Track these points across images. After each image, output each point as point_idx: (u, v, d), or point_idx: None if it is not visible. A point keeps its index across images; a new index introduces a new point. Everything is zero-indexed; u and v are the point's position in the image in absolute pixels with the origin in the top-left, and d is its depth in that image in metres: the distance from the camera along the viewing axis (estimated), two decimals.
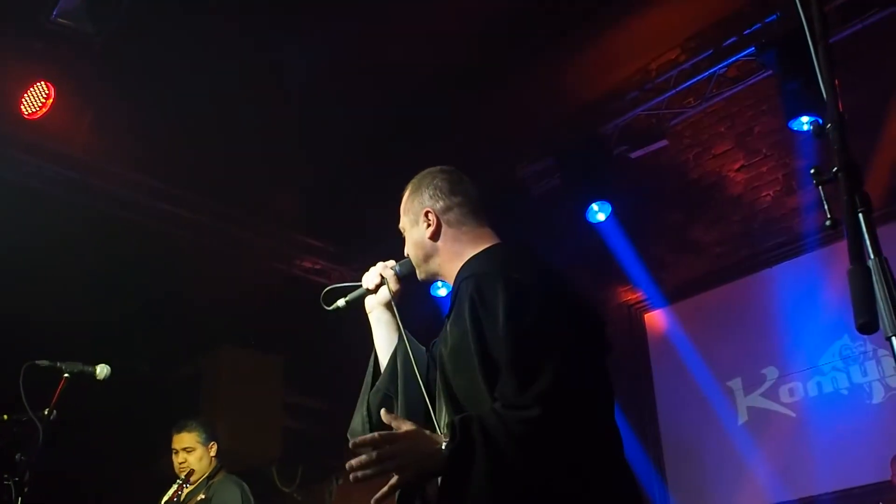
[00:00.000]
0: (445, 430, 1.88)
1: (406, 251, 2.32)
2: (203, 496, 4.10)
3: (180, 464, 4.25)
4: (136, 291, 5.87)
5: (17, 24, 4.36)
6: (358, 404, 2.31)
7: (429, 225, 2.22)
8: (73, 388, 3.36)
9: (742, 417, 5.37)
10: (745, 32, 5.13)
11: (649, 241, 5.91)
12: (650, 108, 5.55)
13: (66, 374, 3.32)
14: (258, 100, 5.15)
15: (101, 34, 4.27)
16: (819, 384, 5.10)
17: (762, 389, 5.32)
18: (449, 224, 2.22)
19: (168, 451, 4.31)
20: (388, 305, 2.32)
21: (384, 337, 2.32)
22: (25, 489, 2.95)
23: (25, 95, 4.48)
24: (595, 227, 5.79)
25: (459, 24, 4.95)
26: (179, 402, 6.48)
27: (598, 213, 5.71)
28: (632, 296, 6.05)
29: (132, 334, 6.03)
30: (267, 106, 5.17)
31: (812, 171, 1.46)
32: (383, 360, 2.30)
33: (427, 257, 2.24)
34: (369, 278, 2.33)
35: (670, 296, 5.83)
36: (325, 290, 2.39)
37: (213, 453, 4.38)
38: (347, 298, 2.36)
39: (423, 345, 2.29)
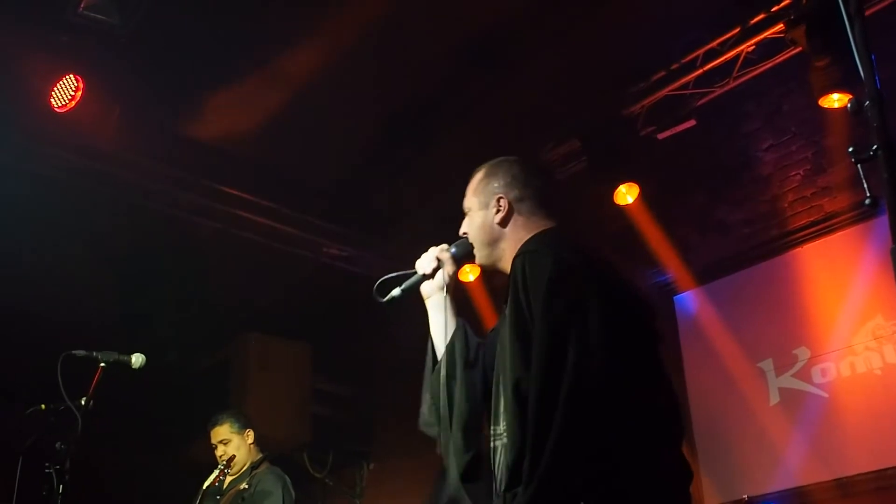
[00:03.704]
0: (503, 421, 1.87)
1: (464, 231, 2.31)
2: (245, 486, 4.16)
3: (220, 456, 4.32)
4: (164, 281, 5.94)
5: (45, 18, 4.40)
6: (423, 392, 2.28)
7: (499, 210, 2.24)
8: (102, 378, 3.41)
9: (773, 399, 5.33)
10: (774, 9, 5.04)
11: (677, 223, 5.86)
12: (677, 89, 5.48)
13: (102, 364, 3.37)
14: (283, 87, 5.16)
15: (127, 26, 4.30)
16: (852, 364, 5.04)
17: (794, 370, 5.27)
18: (520, 213, 2.24)
19: (198, 438, 4.37)
20: (445, 289, 2.29)
21: (442, 322, 2.27)
22: (66, 476, 3.01)
23: (55, 89, 4.53)
24: (622, 210, 5.75)
25: (483, 6, 4.92)
26: (209, 390, 6.56)
27: (626, 195, 5.67)
28: (660, 278, 6.01)
29: (161, 324, 6.10)
30: (292, 93, 5.17)
31: (851, 148, 1.44)
32: (440, 346, 2.26)
33: (493, 242, 2.24)
34: (425, 263, 2.31)
35: (699, 277, 5.79)
36: (378, 282, 2.35)
37: (250, 441, 4.43)
38: (403, 287, 2.32)
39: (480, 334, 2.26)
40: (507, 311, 2.01)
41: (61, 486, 3.00)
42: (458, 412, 2.10)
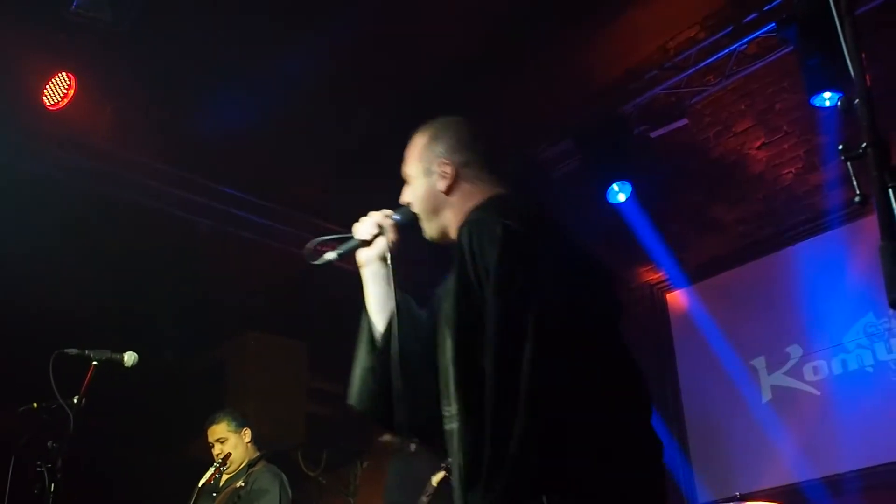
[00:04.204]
0: (454, 402, 1.76)
1: (405, 199, 2.13)
2: (242, 483, 4.16)
3: (217, 455, 4.33)
4: (160, 280, 5.93)
5: (38, 15, 4.39)
6: (354, 371, 2.10)
7: (443, 177, 2.06)
8: (98, 376, 3.40)
9: (766, 396, 5.35)
10: (766, 8, 5.06)
11: (671, 221, 5.88)
12: (670, 87, 5.50)
13: (94, 362, 3.36)
14: (278, 87, 5.15)
15: (120, 24, 4.29)
16: (844, 362, 5.07)
17: (786, 368, 5.29)
18: (466, 179, 2.07)
19: (194, 437, 4.38)
20: (384, 259, 2.09)
21: (380, 295, 2.07)
22: (58, 475, 3.01)
23: (47, 87, 4.51)
24: (616, 208, 5.76)
25: (478, 5, 4.93)
26: (204, 388, 6.54)
27: (619, 193, 5.68)
28: (654, 276, 6.03)
29: (157, 322, 6.09)
30: (287, 92, 5.17)
31: (840, 146, 1.45)
32: (377, 321, 2.07)
33: (436, 211, 2.08)
34: (364, 228, 2.12)
35: (692, 275, 5.81)
36: (310, 243, 2.19)
37: (247, 440, 4.44)
38: (339, 251, 2.14)
39: (420, 304, 2.11)
40: (450, 284, 1.86)
41: (53, 485, 2.99)
42: (415, 390, 1.95)
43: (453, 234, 2.03)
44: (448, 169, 2.08)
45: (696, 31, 5.58)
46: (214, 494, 4.25)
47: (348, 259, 2.18)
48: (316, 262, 2.17)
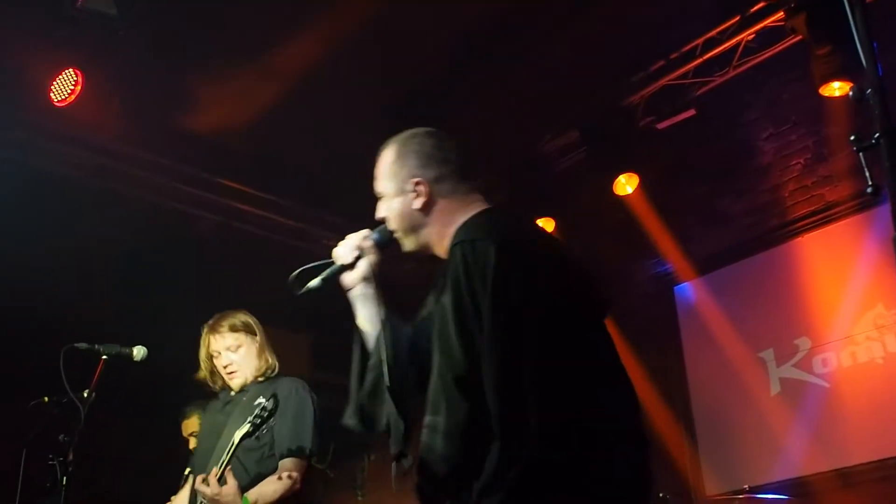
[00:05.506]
0: (440, 412, 1.82)
1: (383, 215, 2.16)
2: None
3: (193, 448, 4.26)
4: (164, 274, 5.94)
5: (43, 12, 4.39)
6: (351, 394, 2.17)
7: (418, 195, 2.08)
8: (107, 371, 3.41)
9: (774, 388, 5.34)
10: None
11: (677, 213, 5.86)
12: (676, 78, 5.48)
13: (104, 356, 3.38)
14: (282, 78, 5.15)
15: (126, 19, 4.29)
16: (853, 354, 5.05)
17: (795, 360, 5.28)
18: (441, 195, 2.08)
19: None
20: (368, 280, 2.13)
21: (370, 315, 2.12)
22: (70, 469, 3.03)
23: (54, 83, 4.52)
24: (622, 200, 5.75)
25: None
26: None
27: (625, 185, 5.67)
28: (660, 268, 6.01)
29: (162, 317, 6.10)
30: (291, 84, 5.17)
31: (852, 137, 1.44)
32: (370, 339, 2.12)
33: (415, 229, 2.10)
34: (343, 252, 2.15)
35: (699, 268, 5.79)
36: (293, 273, 2.21)
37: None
38: (322, 277, 2.17)
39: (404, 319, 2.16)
40: (444, 301, 1.90)
41: (65, 478, 3.01)
42: (402, 399, 2.02)
43: (437, 249, 2.09)
44: (422, 188, 2.08)
45: (702, 21, 5.55)
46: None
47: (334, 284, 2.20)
48: (300, 293, 2.19)
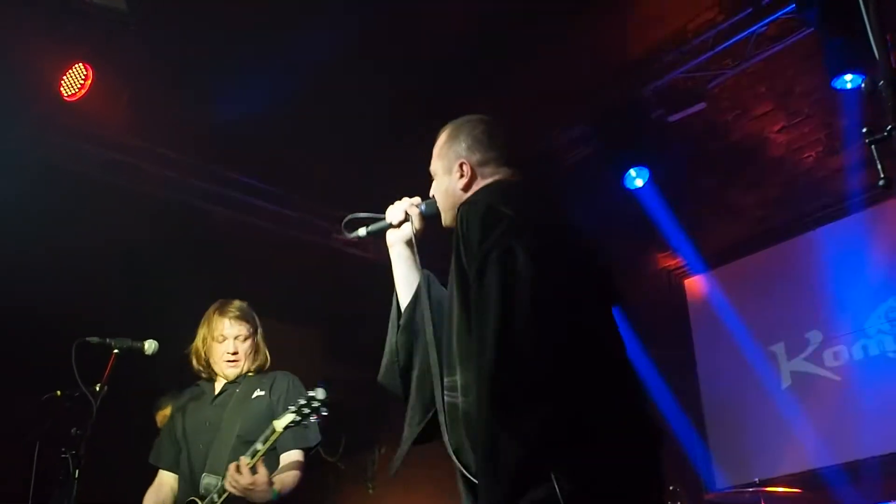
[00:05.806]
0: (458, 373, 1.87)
1: (432, 193, 2.32)
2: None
3: None
4: (175, 269, 5.96)
5: (52, 6, 4.40)
6: (385, 348, 2.30)
7: (462, 176, 2.22)
8: (118, 365, 3.43)
9: (785, 382, 5.32)
10: None
11: (688, 206, 5.84)
12: (688, 71, 5.44)
13: (115, 351, 3.39)
14: (291, 74, 5.15)
15: (135, 13, 4.30)
16: (865, 347, 5.03)
17: (806, 353, 5.26)
18: (483, 177, 2.22)
19: None
20: (408, 243, 2.31)
21: (405, 275, 2.29)
22: (82, 462, 3.05)
23: (64, 77, 4.53)
24: (633, 194, 5.73)
25: None
26: None
27: (636, 178, 5.64)
28: (671, 261, 6.00)
29: (172, 311, 6.12)
30: (300, 80, 5.17)
31: (864, 129, 1.43)
32: (404, 299, 2.27)
33: (455, 206, 2.20)
34: (394, 213, 2.33)
35: (711, 261, 5.77)
36: (346, 218, 2.42)
37: None
38: (369, 229, 2.38)
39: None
40: (452, 265, 2.01)
41: (77, 471, 3.03)
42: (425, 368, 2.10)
43: None
44: (466, 168, 2.22)
45: (714, 14, 5.50)
46: None
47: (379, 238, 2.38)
48: (349, 236, 2.43)
